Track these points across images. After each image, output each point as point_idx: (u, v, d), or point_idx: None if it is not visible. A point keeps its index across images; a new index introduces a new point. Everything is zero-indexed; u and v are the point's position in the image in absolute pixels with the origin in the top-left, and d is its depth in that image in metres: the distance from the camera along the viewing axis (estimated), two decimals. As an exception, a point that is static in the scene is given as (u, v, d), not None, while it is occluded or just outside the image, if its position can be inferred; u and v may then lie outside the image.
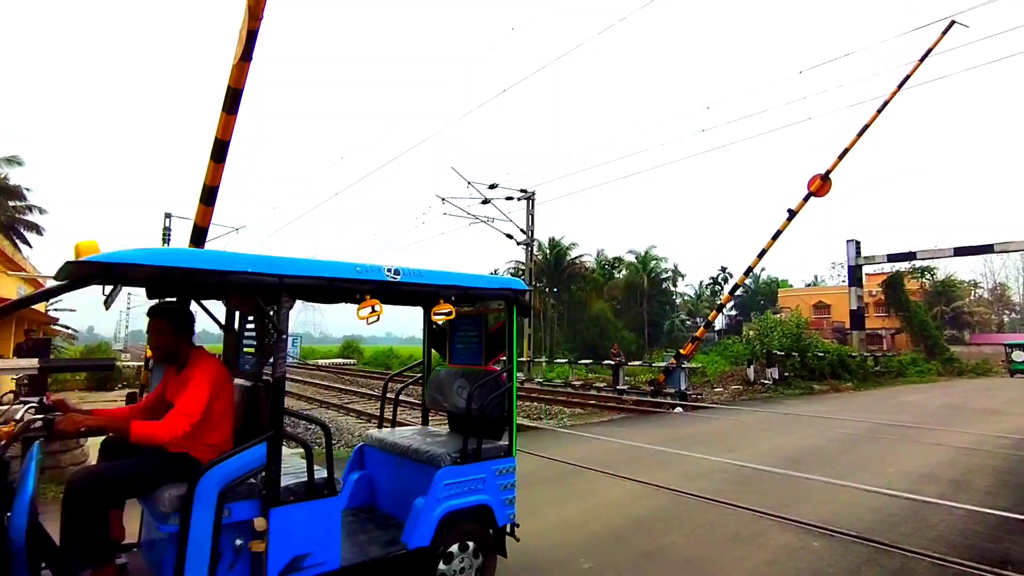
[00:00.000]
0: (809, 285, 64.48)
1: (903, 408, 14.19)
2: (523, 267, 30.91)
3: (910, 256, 31.99)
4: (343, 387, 22.43)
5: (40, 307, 20.11)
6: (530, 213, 26.74)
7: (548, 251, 44.19)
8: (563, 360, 26.67)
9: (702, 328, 22.28)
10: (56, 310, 27.18)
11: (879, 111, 21.66)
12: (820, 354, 22.46)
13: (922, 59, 21.22)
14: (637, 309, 47.63)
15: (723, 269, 59.09)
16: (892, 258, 32.74)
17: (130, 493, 2.60)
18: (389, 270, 2.99)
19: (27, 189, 31.01)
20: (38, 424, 2.35)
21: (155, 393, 3.03)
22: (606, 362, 22.15)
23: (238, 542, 2.51)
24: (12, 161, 29.55)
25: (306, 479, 2.70)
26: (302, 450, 2.77)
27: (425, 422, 4.45)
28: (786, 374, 20.62)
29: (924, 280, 49.32)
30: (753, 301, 58.84)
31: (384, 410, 4.50)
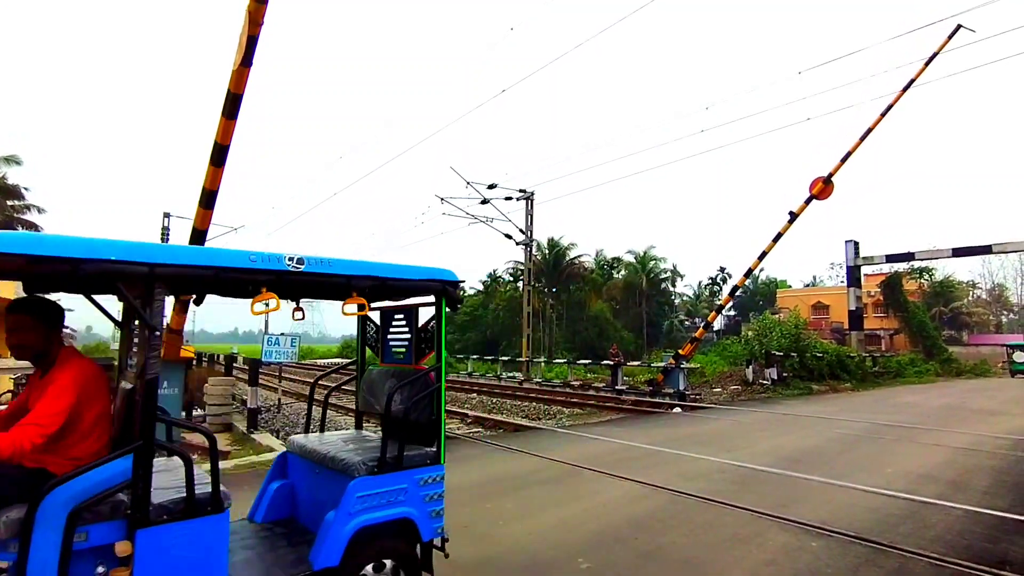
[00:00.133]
0: (808, 285, 64.53)
1: (901, 408, 14.21)
2: (522, 267, 30.91)
3: (909, 257, 32.06)
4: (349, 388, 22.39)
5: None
6: (529, 213, 26.77)
7: (547, 251, 44.20)
8: (562, 360, 26.67)
9: (701, 329, 22.28)
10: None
11: (883, 115, 21.62)
12: (819, 354, 22.49)
13: (927, 63, 21.16)
14: (636, 309, 47.65)
15: (722, 269, 59.15)
16: (891, 259, 32.78)
17: None
18: (291, 259, 2.69)
19: (25, 188, 31.03)
20: None
21: (19, 399, 2.71)
22: (605, 362, 22.18)
23: (99, 570, 2.23)
24: (10, 160, 29.56)
25: (185, 495, 2.39)
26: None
27: (359, 426, 4.10)
28: (785, 374, 20.63)
29: (922, 281, 49.40)
30: (752, 301, 58.90)
31: (311, 414, 4.24)
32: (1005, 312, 62.26)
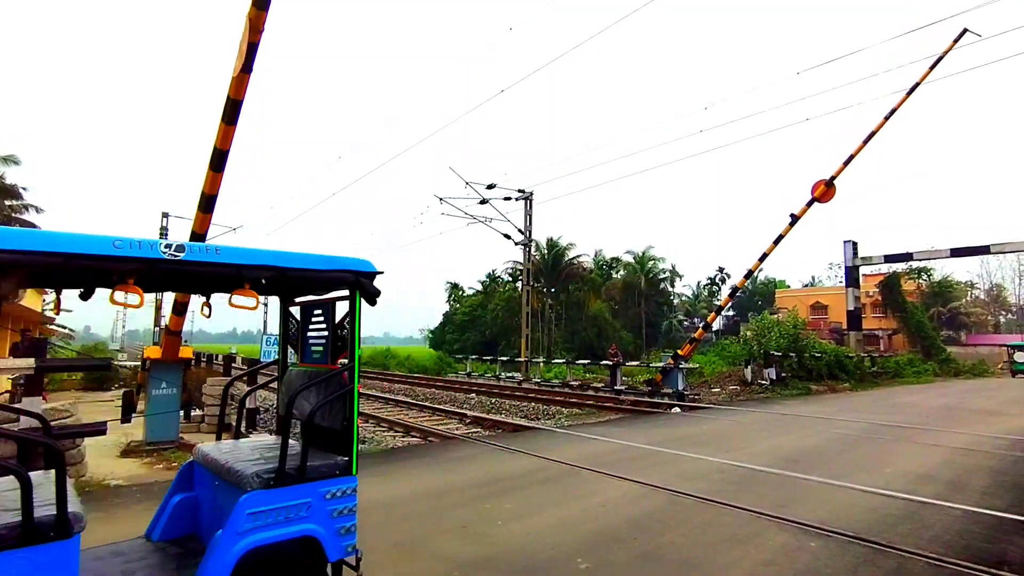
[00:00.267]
0: (806, 286, 64.59)
1: (900, 408, 14.22)
2: (521, 267, 30.92)
3: (907, 257, 32.10)
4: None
5: (37, 307, 20.05)
6: (528, 213, 26.77)
7: (546, 251, 44.24)
8: (561, 360, 26.68)
9: (700, 329, 22.30)
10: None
11: (886, 118, 21.59)
12: (817, 355, 22.51)
13: (932, 66, 21.12)
14: (635, 309, 47.69)
15: (721, 270, 59.26)
16: (889, 259, 32.81)
17: None
18: (167, 246, 2.38)
19: (23, 188, 30.96)
20: None
21: None
22: (604, 362, 22.20)
23: None
24: (9, 160, 29.49)
25: (21, 519, 2.07)
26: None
27: (283, 432, 3.97)
28: (783, 375, 20.65)
29: (921, 281, 49.45)
30: (750, 302, 58.95)
31: (224, 419, 3.87)
32: (1003, 312, 62.34)
